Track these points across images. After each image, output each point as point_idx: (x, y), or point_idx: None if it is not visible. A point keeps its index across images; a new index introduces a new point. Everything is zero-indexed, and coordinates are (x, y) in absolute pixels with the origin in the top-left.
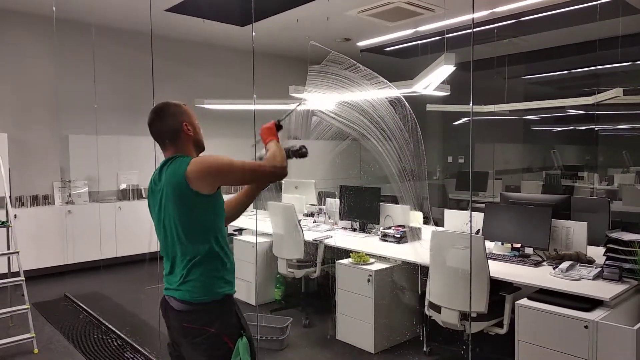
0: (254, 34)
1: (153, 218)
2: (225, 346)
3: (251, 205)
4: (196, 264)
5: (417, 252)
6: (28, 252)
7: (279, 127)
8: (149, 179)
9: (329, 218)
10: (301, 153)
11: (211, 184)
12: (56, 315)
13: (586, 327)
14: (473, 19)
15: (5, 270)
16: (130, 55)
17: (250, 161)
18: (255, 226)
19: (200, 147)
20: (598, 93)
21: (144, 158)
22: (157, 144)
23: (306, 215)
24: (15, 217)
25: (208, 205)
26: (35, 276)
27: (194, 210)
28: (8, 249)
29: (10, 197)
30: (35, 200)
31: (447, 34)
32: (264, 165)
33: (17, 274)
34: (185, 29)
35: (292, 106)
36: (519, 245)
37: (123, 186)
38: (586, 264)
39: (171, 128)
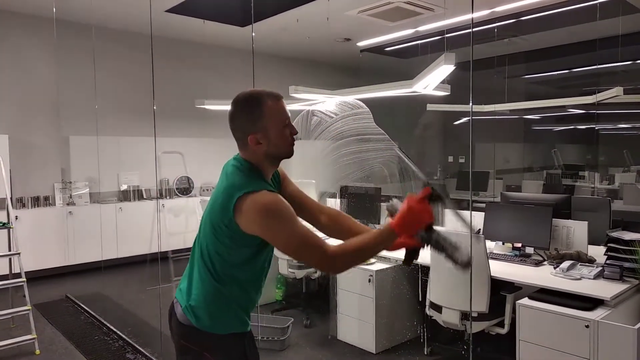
0: (253, 34)
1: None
2: None
3: None
4: (212, 287)
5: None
6: (29, 253)
7: (436, 197)
8: (149, 179)
9: None
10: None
11: (256, 233)
12: (57, 317)
13: (587, 326)
14: (473, 18)
15: (7, 272)
16: (131, 56)
17: (317, 237)
18: None
19: (277, 159)
20: (598, 92)
21: (144, 159)
22: (157, 146)
23: None
24: (16, 218)
25: (246, 241)
26: (36, 277)
27: (233, 240)
28: (9, 250)
29: (11, 198)
30: (36, 201)
31: (447, 33)
32: (327, 254)
33: (18, 275)
34: (185, 29)
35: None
36: (519, 245)
37: (124, 187)
38: (587, 264)
39: (238, 135)
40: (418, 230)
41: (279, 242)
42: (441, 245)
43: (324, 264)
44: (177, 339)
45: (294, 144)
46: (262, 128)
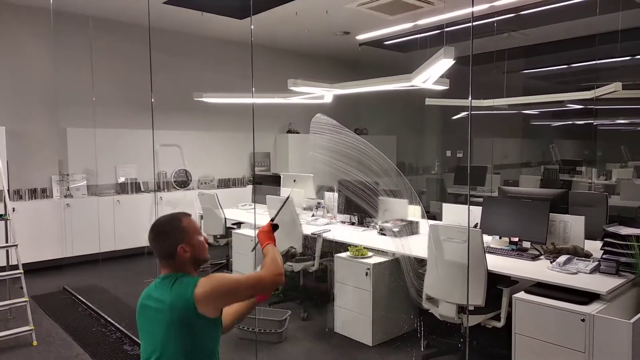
0: (252, 27)
1: (142, 332)
2: None
3: (249, 199)
4: None
5: (415, 245)
6: (27, 245)
7: (275, 227)
8: (147, 172)
9: (328, 212)
10: (293, 254)
11: (218, 307)
12: (55, 308)
13: (583, 320)
14: (473, 12)
15: (4, 263)
16: (128, 48)
17: (251, 275)
18: (253, 220)
19: (199, 263)
20: (597, 87)
21: (142, 151)
22: (155, 139)
23: (305, 209)
24: (13, 210)
25: (210, 329)
26: (34, 269)
27: (197, 336)
28: (6, 242)
29: (8, 190)
30: (33, 193)
31: (446, 27)
32: (264, 277)
33: (15, 267)
34: (183, 21)
35: (282, 201)
36: (516, 239)
37: (121, 180)
38: (583, 258)
39: (166, 252)
40: (270, 236)
41: (243, 294)
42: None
43: (278, 281)
44: None
45: (207, 249)
46: (185, 239)
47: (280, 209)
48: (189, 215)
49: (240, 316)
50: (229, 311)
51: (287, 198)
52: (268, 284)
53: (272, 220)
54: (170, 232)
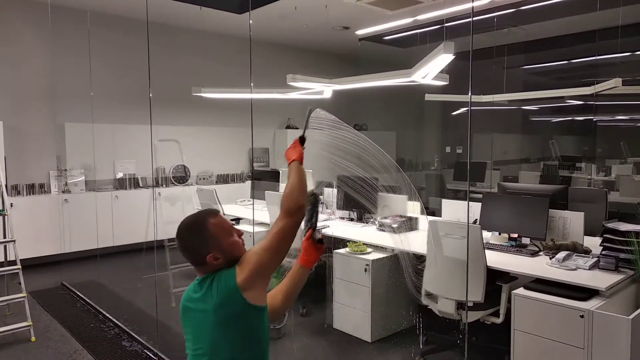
0: (251, 21)
1: (187, 334)
2: None
3: (247, 195)
4: None
5: (414, 241)
6: (24, 240)
7: (302, 140)
8: (145, 167)
9: (327, 208)
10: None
11: (265, 286)
12: (53, 304)
13: (582, 316)
14: (473, 7)
15: (2, 259)
16: (126, 42)
17: (273, 231)
18: (252, 215)
19: (235, 262)
20: (597, 83)
21: (140, 147)
22: (153, 134)
23: None
24: (11, 205)
25: (262, 320)
26: (31, 265)
27: (250, 329)
28: (4, 237)
29: (6, 185)
30: (31, 188)
31: (446, 22)
32: (283, 221)
33: (13, 263)
34: (182, 16)
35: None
36: (516, 235)
37: (119, 175)
38: (583, 254)
39: (197, 261)
40: (298, 151)
41: (278, 258)
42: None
43: (299, 220)
44: None
45: (244, 242)
46: (215, 245)
47: (307, 121)
48: (216, 213)
49: (292, 296)
50: (274, 294)
51: (310, 112)
52: (292, 228)
53: (301, 136)
54: (196, 241)
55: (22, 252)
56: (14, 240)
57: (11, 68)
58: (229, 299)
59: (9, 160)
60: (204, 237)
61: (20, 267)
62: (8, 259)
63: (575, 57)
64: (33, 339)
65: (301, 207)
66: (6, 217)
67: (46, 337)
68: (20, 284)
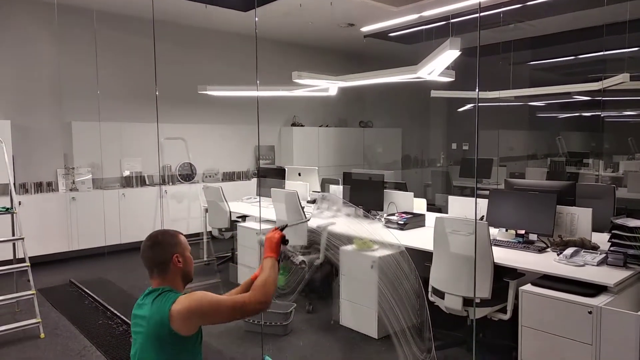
0: (256, 19)
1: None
2: None
3: (254, 192)
4: None
5: (420, 238)
6: (33, 238)
7: (285, 241)
8: (152, 165)
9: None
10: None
11: (194, 325)
12: (61, 301)
13: (590, 312)
14: (480, 3)
15: (11, 257)
16: (132, 41)
17: (235, 299)
18: (258, 213)
19: (188, 279)
20: (604, 79)
21: (147, 145)
22: (160, 132)
23: (309, 202)
24: (19, 203)
25: (186, 345)
26: (40, 262)
27: (172, 352)
28: (13, 235)
29: (14, 183)
30: (39, 187)
31: (452, 19)
32: (248, 303)
33: (22, 260)
34: (187, 14)
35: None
36: (523, 232)
37: (126, 173)
38: (590, 250)
39: (161, 259)
40: (275, 249)
41: (221, 316)
42: (286, 256)
43: (262, 308)
44: None
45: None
46: (180, 250)
47: (297, 224)
48: (181, 233)
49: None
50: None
51: (307, 220)
52: (250, 311)
53: (283, 228)
54: (167, 241)
55: (31, 250)
56: (22, 238)
57: (19, 67)
58: (159, 319)
59: (17, 159)
60: (175, 241)
61: (29, 264)
62: (17, 257)
63: (582, 52)
64: (42, 335)
65: (269, 302)
66: (15, 215)
67: (55, 333)
68: (29, 281)
